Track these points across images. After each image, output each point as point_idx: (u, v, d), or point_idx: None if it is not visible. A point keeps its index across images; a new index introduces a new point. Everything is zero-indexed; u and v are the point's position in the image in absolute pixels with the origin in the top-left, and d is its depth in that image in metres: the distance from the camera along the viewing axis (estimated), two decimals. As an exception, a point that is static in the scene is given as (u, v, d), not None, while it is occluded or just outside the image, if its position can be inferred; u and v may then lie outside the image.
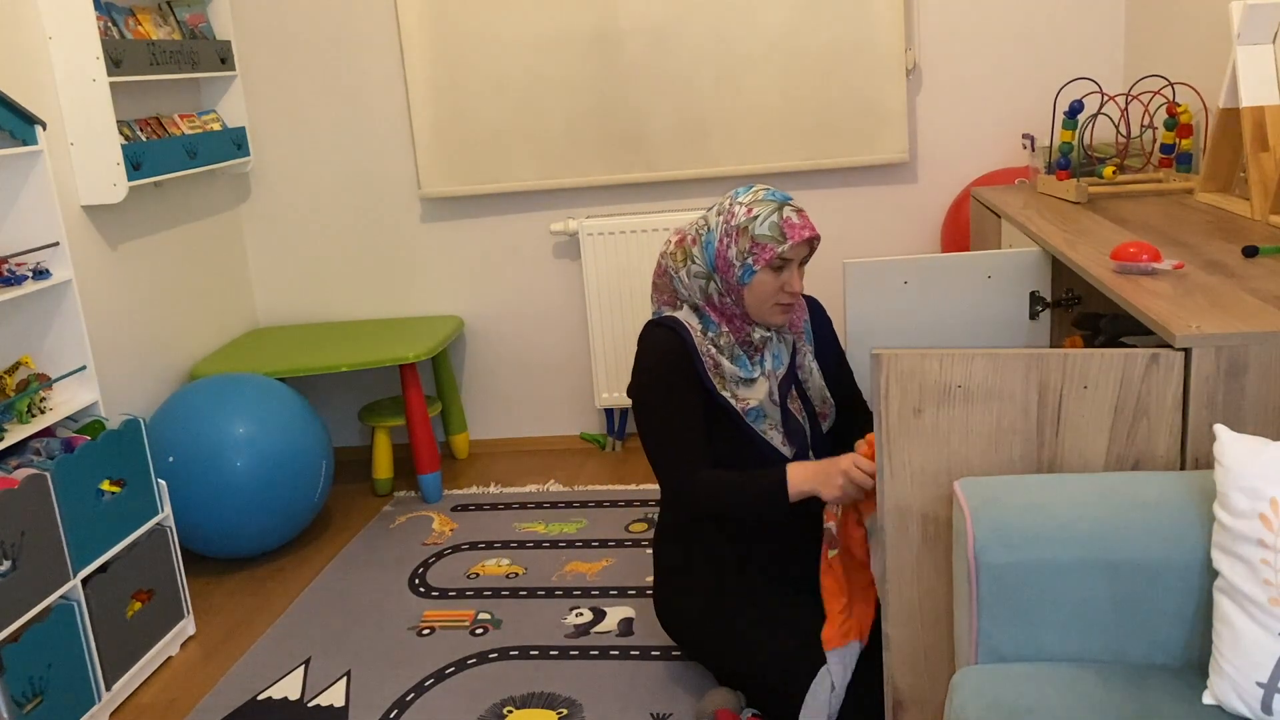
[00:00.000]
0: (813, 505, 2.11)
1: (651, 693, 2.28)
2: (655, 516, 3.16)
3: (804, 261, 2.05)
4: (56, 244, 2.48)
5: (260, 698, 2.40)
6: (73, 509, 2.27)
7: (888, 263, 2.14)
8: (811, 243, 2.04)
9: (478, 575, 2.91)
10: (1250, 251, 1.84)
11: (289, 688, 2.43)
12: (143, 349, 3.17)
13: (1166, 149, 2.65)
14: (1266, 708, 1.25)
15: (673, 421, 2.05)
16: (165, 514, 2.62)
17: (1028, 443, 1.58)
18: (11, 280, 2.38)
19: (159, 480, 2.59)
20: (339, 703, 2.35)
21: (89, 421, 2.52)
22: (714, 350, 2.07)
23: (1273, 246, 1.84)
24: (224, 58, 3.45)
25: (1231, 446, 1.29)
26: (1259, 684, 1.25)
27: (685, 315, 2.11)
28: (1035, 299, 2.15)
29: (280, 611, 2.80)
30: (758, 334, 2.10)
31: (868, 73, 3.32)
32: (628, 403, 3.63)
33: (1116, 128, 2.80)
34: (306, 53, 3.60)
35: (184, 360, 3.38)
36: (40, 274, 2.45)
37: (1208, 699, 1.30)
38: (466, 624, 2.65)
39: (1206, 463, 1.52)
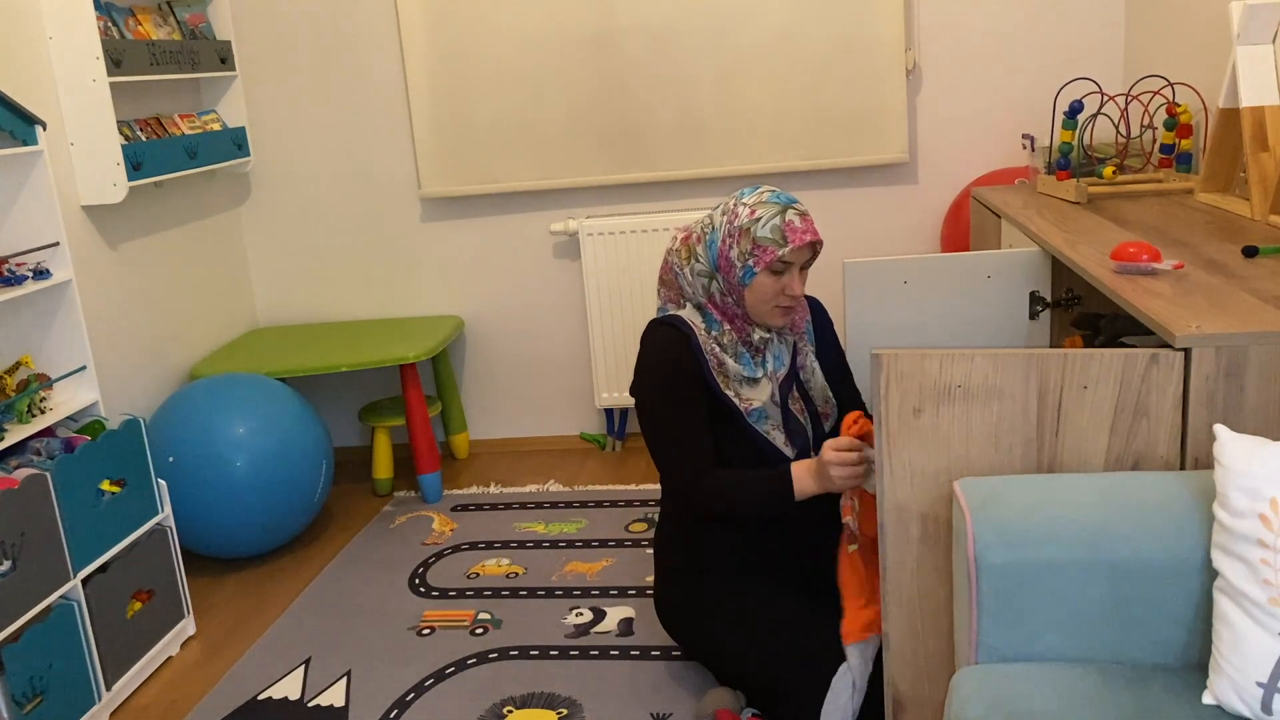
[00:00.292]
0: (819, 505, 2.11)
1: (651, 693, 2.28)
2: (655, 516, 3.16)
3: (806, 265, 2.05)
4: (56, 244, 2.48)
5: (260, 698, 2.40)
6: (73, 509, 2.27)
7: (888, 263, 2.14)
8: (814, 247, 2.04)
9: (478, 575, 2.91)
10: (1250, 251, 1.84)
11: (289, 688, 2.43)
12: (143, 349, 3.17)
13: (1166, 149, 2.65)
14: (1266, 708, 1.25)
15: (677, 421, 2.05)
16: (165, 514, 2.62)
17: (1028, 443, 1.58)
18: (11, 280, 2.38)
19: (159, 480, 2.59)
20: (339, 703, 2.35)
21: (89, 421, 2.52)
22: (718, 349, 2.07)
23: (1273, 246, 1.84)
24: (224, 58, 3.45)
25: (1231, 446, 1.29)
26: (1259, 684, 1.25)
27: (689, 314, 2.11)
28: (1035, 299, 2.15)
29: (280, 611, 2.80)
30: (757, 334, 2.10)
31: (868, 73, 3.32)
32: (628, 402, 3.63)
33: (1116, 128, 2.80)
34: (306, 53, 3.60)
35: (184, 360, 3.38)
36: (40, 274, 2.45)
37: (1208, 699, 1.30)
38: (466, 624, 2.65)
39: (1206, 463, 1.52)
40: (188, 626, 2.70)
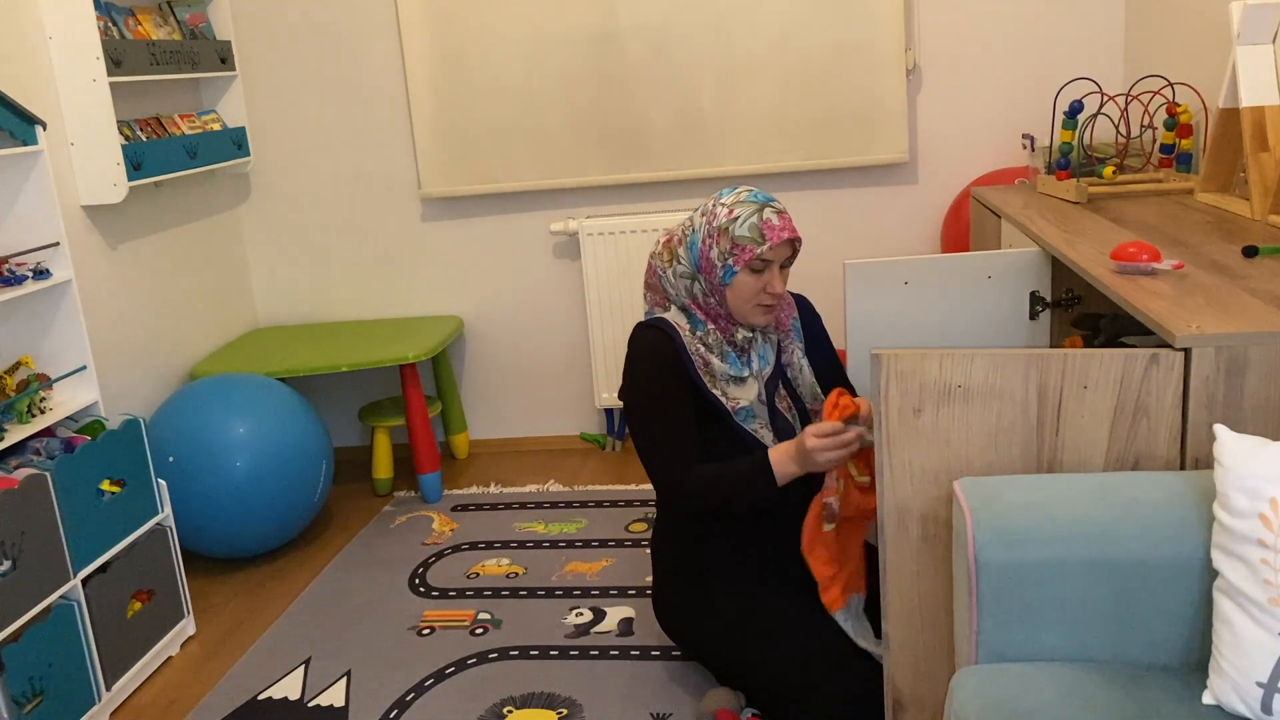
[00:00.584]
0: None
1: (651, 693, 2.28)
2: (655, 516, 3.16)
3: (787, 263, 2.06)
4: (56, 244, 2.48)
5: (260, 698, 2.40)
6: (73, 509, 2.27)
7: (888, 263, 2.14)
8: (793, 244, 2.04)
9: (478, 575, 2.91)
10: (1250, 251, 1.84)
11: (289, 688, 2.43)
12: (143, 349, 3.17)
13: (1166, 149, 2.65)
14: (1266, 708, 1.25)
15: (664, 422, 2.05)
16: (165, 514, 2.62)
17: (1028, 443, 1.58)
18: (11, 280, 2.38)
19: (159, 480, 2.59)
20: (339, 703, 2.35)
21: (89, 421, 2.52)
22: (703, 349, 2.08)
23: (1273, 246, 1.84)
24: (224, 58, 3.45)
25: (1231, 446, 1.29)
26: (1259, 684, 1.25)
27: (674, 316, 2.12)
28: (1035, 299, 2.15)
29: (280, 611, 2.80)
30: (741, 334, 2.10)
31: (868, 73, 3.32)
32: (628, 403, 3.63)
33: (1116, 128, 2.80)
34: (306, 53, 3.60)
35: (184, 360, 3.38)
36: (40, 274, 2.45)
37: (1208, 699, 1.30)
38: (466, 624, 2.65)
39: (1206, 463, 1.52)
40: (188, 626, 2.70)
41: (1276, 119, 2.13)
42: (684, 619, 2.21)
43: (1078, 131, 2.64)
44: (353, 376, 3.87)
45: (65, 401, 2.51)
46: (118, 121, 2.92)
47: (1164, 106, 2.65)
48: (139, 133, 3.11)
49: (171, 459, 2.86)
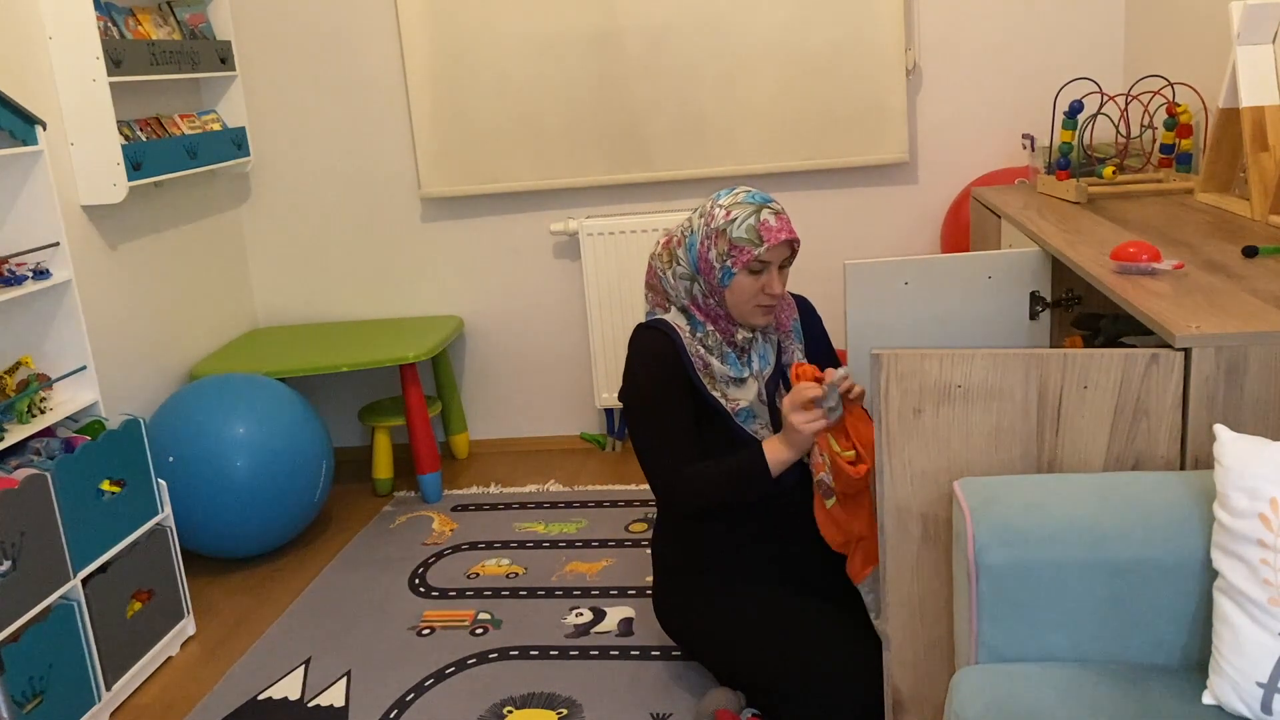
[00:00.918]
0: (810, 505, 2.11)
1: (651, 693, 2.28)
2: (655, 516, 3.16)
3: (785, 264, 2.06)
4: (56, 244, 2.48)
5: (260, 698, 2.40)
6: (73, 509, 2.27)
7: (888, 263, 2.14)
8: (791, 245, 2.04)
9: (478, 575, 2.91)
10: (1250, 251, 1.84)
11: (289, 688, 2.43)
12: (143, 349, 3.17)
13: (1166, 149, 2.65)
14: (1266, 708, 1.25)
15: (663, 423, 2.05)
16: (165, 514, 2.62)
17: (1028, 443, 1.58)
18: (11, 280, 2.38)
19: (159, 480, 2.59)
20: (339, 703, 2.35)
21: (89, 421, 2.52)
22: (703, 350, 2.08)
23: (1273, 246, 1.84)
24: (224, 58, 3.45)
25: (1231, 446, 1.29)
26: (1259, 684, 1.25)
27: (674, 317, 2.12)
28: (1035, 299, 2.15)
29: (280, 611, 2.80)
30: (740, 335, 2.10)
31: (868, 73, 3.32)
32: (628, 403, 3.63)
33: (1116, 128, 2.80)
34: (306, 53, 3.60)
35: (184, 360, 3.38)
36: (40, 274, 2.45)
37: (1208, 699, 1.30)
38: (466, 624, 2.65)
39: (1206, 463, 1.52)
40: (188, 626, 2.70)
41: (1276, 119, 2.13)
42: (684, 619, 2.21)
43: (1078, 131, 2.64)
44: (353, 376, 3.87)
45: (65, 401, 2.51)
46: (118, 121, 2.92)
47: (1164, 106, 2.65)
48: (139, 133, 3.11)
49: (171, 459, 2.86)
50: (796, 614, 2.06)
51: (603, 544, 3.02)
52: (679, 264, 2.10)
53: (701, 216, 2.08)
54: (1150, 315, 1.55)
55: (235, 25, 3.58)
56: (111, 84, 2.86)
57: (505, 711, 2.26)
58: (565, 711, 2.25)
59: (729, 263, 2.01)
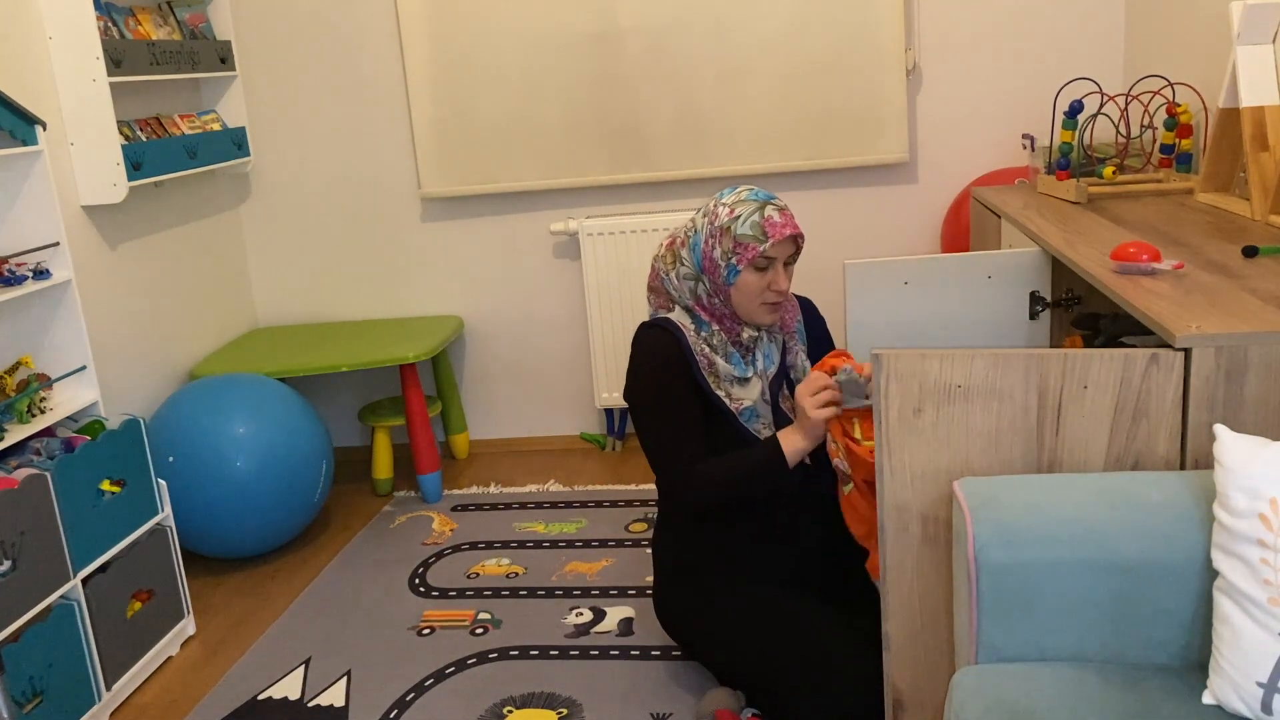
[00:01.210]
0: (817, 506, 2.11)
1: (651, 693, 2.28)
2: (655, 516, 3.16)
3: (790, 260, 2.06)
4: (56, 244, 2.48)
5: (260, 698, 2.40)
6: (73, 509, 2.27)
7: (888, 263, 2.14)
8: (796, 240, 2.04)
9: (478, 575, 2.91)
10: (1250, 251, 1.84)
11: (289, 688, 2.43)
12: (143, 349, 3.17)
13: (1166, 149, 2.65)
14: (1266, 708, 1.25)
15: (668, 420, 2.05)
16: (165, 514, 2.62)
17: (1028, 443, 1.58)
18: (11, 280, 2.38)
19: (159, 480, 2.59)
20: (339, 703, 2.35)
21: (89, 421, 2.52)
22: (707, 349, 2.08)
23: (1273, 246, 1.84)
24: (224, 58, 3.45)
25: (1231, 446, 1.29)
26: (1259, 684, 1.25)
27: (678, 316, 2.12)
28: (1035, 299, 2.15)
29: (280, 611, 2.80)
30: (746, 334, 2.10)
31: (868, 73, 3.32)
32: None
33: (1116, 128, 2.80)
34: (306, 53, 3.60)
35: (184, 360, 3.38)
36: (40, 274, 2.45)
37: (1208, 699, 1.30)
38: (466, 624, 2.65)
39: (1206, 463, 1.52)
40: (188, 626, 2.70)
41: (1276, 119, 2.13)
42: (684, 619, 2.21)
43: (1078, 131, 2.64)
44: (353, 376, 3.87)
45: (65, 401, 2.51)
46: (118, 121, 2.92)
47: (1164, 106, 2.65)
48: (139, 133, 3.11)
49: (171, 459, 2.86)
50: (796, 614, 2.06)
51: (603, 544, 3.02)
52: (683, 264, 2.10)
53: (705, 215, 2.07)
54: (1150, 315, 1.55)
55: (235, 25, 3.58)
56: (111, 84, 2.86)
57: (505, 711, 2.26)
58: (565, 711, 2.25)
59: (734, 260, 2.01)
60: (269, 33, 3.60)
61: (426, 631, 2.63)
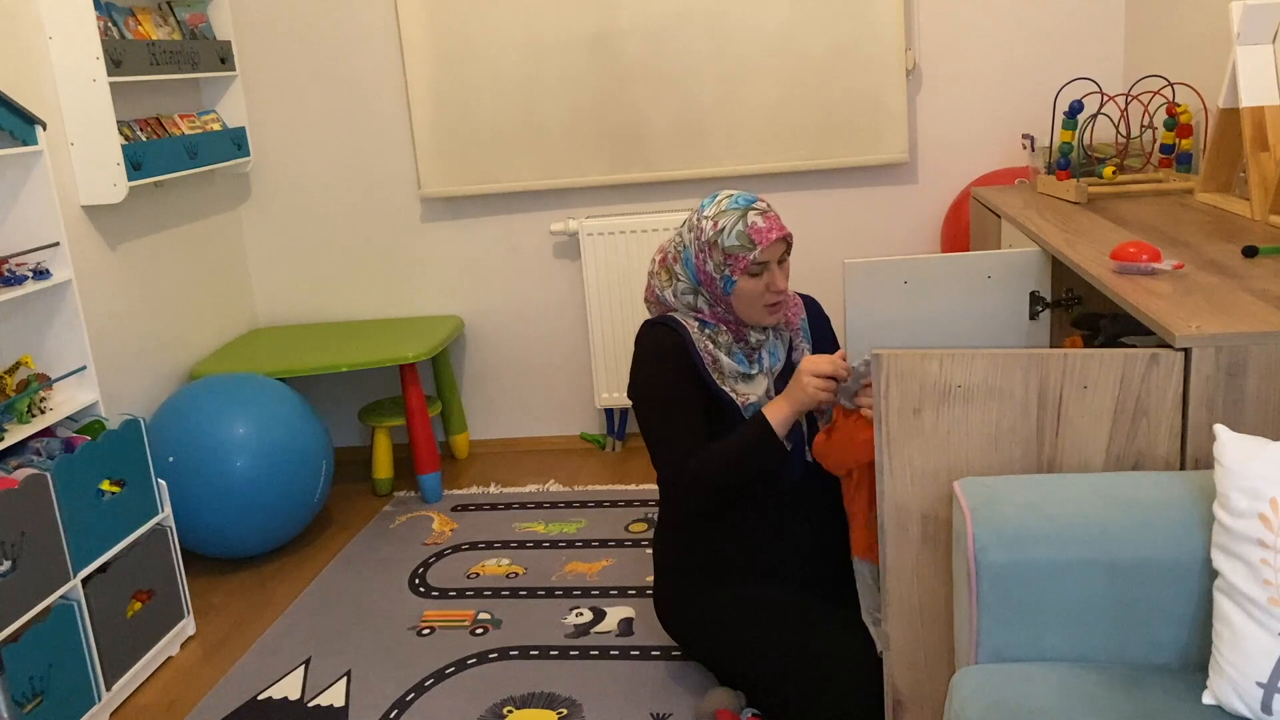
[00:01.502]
0: (818, 507, 2.11)
1: (651, 693, 2.28)
2: (655, 516, 3.16)
3: (783, 259, 2.05)
4: (56, 244, 2.48)
5: (260, 698, 2.40)
6: (73, 509, 2.27)
7: (888, 263, 2.14)
8: (785, 239, 2.04)
9: (478, 575, 2.91)
10: (1250, 251, 1.84)
11: (289, 688, 2.43)
12: (143, 349, 3.17)
13: (1166, 149, 2.65)
14: (1266, 708, 1.25)
15: (673, 417, 2.05)
16: (165, 514, 2.62)
17: (1028, 443, 1.58)
18: (11, 280, 2.38)
19: (159, 480, 2.59)
20: (339, 703, 2.35)
21: (89, 421, 2.52)
22: (711, 346, 2.08)
23: (1273, 246, 1.84)
24: (224, 58, 3.45)
25: (1231, 446, 1.29)
26: (1259, 684, 1.25)
27: (682, 315, 2.12)
28: (1035, 299, 2.15)
29: (280, 611, 2.80)
30: (754, 337, 2.11)
31: (868, 73, 3.32)
32: (628, 403, 3.63)
33: (1116, 128, 2.80)
34: (306, 53, 3.60)
35: (184, 360, 3.38)
36: (40, 274, 2.45)
37: (1208, 699, 1.30)
38: (466, 624, 2.65)
39: (1206, 463, 1.52)
40: (188, 626, 2.70)
41: (1276, 119, 2.13)
42: (684, 618, 2.21)
43: (1078, 131, 2.64)
44: (353, 376, 3.87)
45: (65, 401, 2.51)
46: (118, 121, 2.92)
47: (1164, 106, 2.65)
48: (139, 133, 3.11)
49: (171, 459, 2.86)
50: (797, 614, 2.06)
51: (603, 544, 3.02)
52: (679, 280, 2.10)
53: (690, 230, 2.08)
54: (1150, 315, 1.55)
55: (235, 25, 3.58)
56: (111, 84, 2.86)
57: (505, 711, 2.26)
58: (565, 711, 2.25)
59: (728, 271, 2.01)
60: (269, 33, 3.60)
61: (426, 631, 2.63)
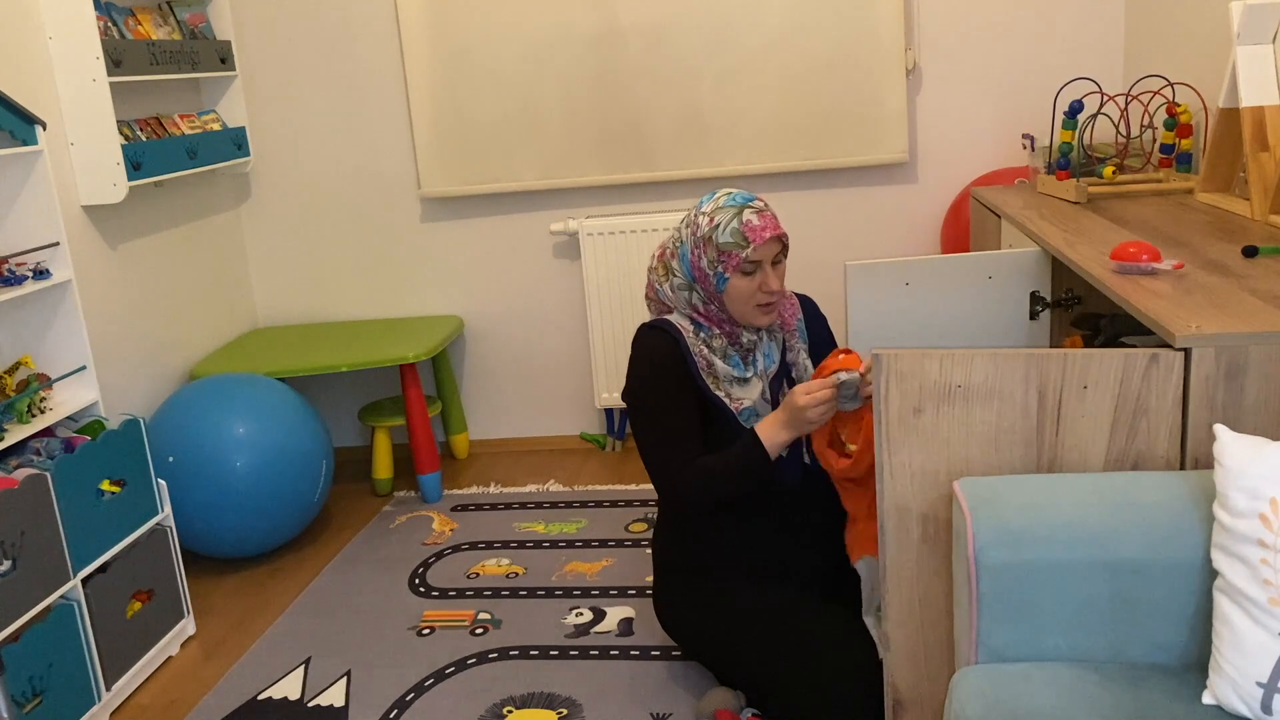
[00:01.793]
0: (818, 507, 2.11)
1: (651, 693, 2.28)
2: (655, 516, 3.16)
3: (777, 259, 2.05)
4: (56, 244, 2.48)
5: (260, 698, 2.40)
6: (73, 509, 2.27)
7: (889, 264, 2.14)
8: (781, 240, 2.04)
9: (478, 575, 2.91)
10: (1250, 251, 1.84)
11: (289, 688, 2.43)
12: (143, 349, 3.17)
13: (1166, 149, 2.65)
14: (1266, 708, 1.25)
15: (666, 422, 2.05)
16: (165, 514, 2.62)
17: (1028, 443, 1.58)
18: (11, 280, 2.38)
19: (159, 480, 2.59)
20: (339, 703, 2.35)
21: (89, 421, 2.52)
22: (706, 350, 2.08)
23: (1273, 246, 1.84)
24: (224, 58, 3.45)
25: (1231, 446, 1.29)
26: (1259, 684, 1.25)
27: (678, 317, 2.12)
28: (1035, 299, 2.15)
29: (280, 611, 2.80)
30: (746, 337, 2.11)
31: (868, 73, 3.32)
32: (628, 403, 3.63)
33: (1116, 128, 2.80)
34: (306, 53, 3.60)
35: (184, 360, 3.38)
36: (40, 274, 2.45)
37: (1208, 699, 1.30)
38: (466, 624, 2.65)
39: (1206, 463, 1.52)
40: (188, 626, 2.70)
41: (1276, 119, 2.13)
42: (684, 618, 2.21)
43: (1078, 131, 2.64)
44: (353, 376, 3.87)
45: (65, 401, 2.51)
46: (118, 121, 2.92)
47: (1164, 106, 2.65)
48: (139, 133, 3.11)
49: (171, 459, 2.86)
50: (796, 614, 2.06)
51: (603, 544, 3.02)
52: (675, 275, 2.11)
53: (687, 226, 2.08)
54: (1150, 315, 1.55)
55: (235, 25, 3.58)
56: (111, 84, 2.86)
57: (505, 711, 2.26)
58: (565, 711, 2.25)
59: (720, 268, 2.01)
60: (269, 33, 3.60)
61: (426, 631, 2.63)
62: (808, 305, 2.26)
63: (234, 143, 3.48)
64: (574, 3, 3.40)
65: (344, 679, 2.45)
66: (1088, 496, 1.42)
